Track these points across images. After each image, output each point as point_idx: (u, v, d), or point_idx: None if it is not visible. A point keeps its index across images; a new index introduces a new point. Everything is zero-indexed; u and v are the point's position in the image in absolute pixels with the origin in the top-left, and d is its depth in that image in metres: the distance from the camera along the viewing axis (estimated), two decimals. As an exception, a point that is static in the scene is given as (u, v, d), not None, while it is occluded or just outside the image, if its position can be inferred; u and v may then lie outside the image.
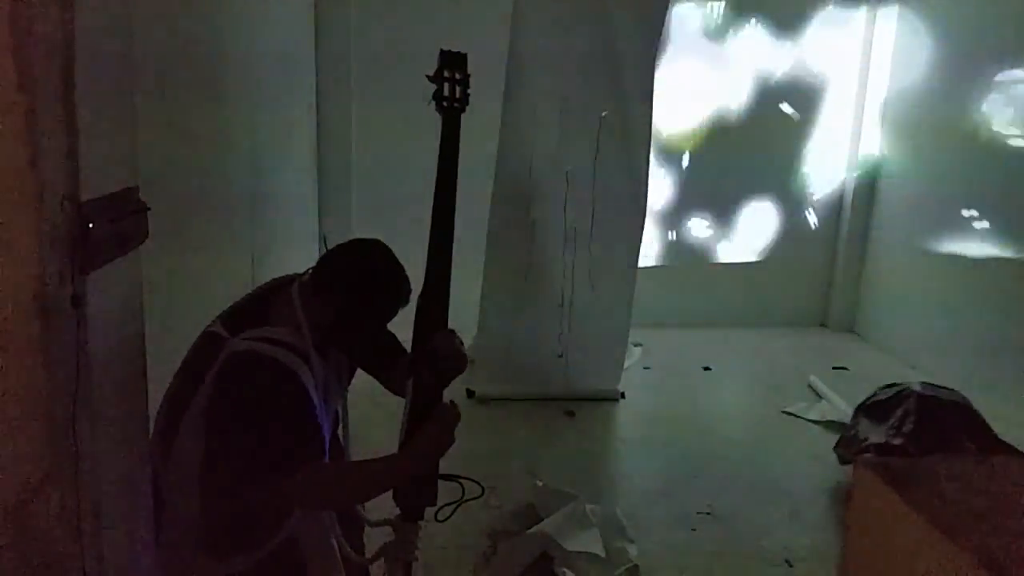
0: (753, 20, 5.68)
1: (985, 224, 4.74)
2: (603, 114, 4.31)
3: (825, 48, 5.78)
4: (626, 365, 4.84)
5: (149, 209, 1.78)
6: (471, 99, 2.08)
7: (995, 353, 4.52)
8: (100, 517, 1.58)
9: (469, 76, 2.05)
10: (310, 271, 1.88)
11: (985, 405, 4.51)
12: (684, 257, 5.98)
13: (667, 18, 4.33)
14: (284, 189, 4.26)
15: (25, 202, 1.33)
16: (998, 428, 4.28)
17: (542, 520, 3.09)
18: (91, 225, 1.48)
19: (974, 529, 0.74)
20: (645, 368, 5.17)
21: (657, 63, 4.39)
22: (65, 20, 1.41)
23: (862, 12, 5.74)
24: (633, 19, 4.29)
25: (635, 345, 5.24)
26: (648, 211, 4.66)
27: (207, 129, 2.89)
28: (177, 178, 2.48)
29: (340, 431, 2.07)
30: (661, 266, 5.89)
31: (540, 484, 3.39)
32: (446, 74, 2.02)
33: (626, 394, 4.65)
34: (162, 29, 2.35)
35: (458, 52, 2.07)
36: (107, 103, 1.62)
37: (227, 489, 1.72)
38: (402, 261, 1.93)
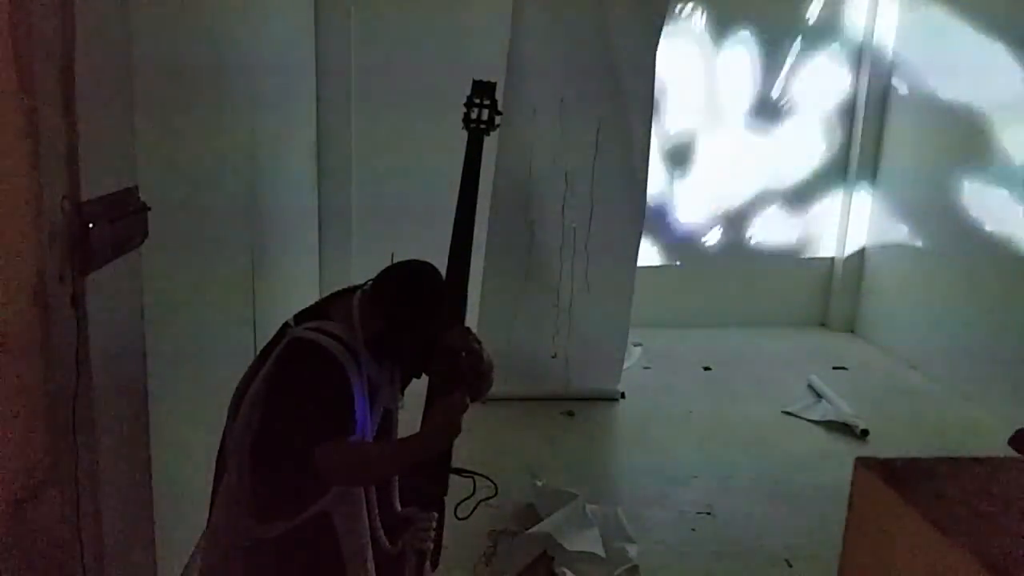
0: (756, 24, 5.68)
1: (985, 224, 4.74)
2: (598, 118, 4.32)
3: (823, 49, 5.79)
4: (626, 365, 4.84)
5: (149, 209, 1.78)
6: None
7: (995, 353, 4.52)
8: (100, 517, 1.58)
9: (496, 102, 2.32)
10: (370, 283, 2.05)
11: (985, 405, 4.53)
12: (684, 257, 5.98)
13: (666, 22, 4.33)
14: (284, 198, 4.26)
15: (25, 202, 1.33)
16: (997, 428, 4.29)
17: (542, 520, 3.09)
18: (91, 225, 1.48)
19: (974, 529, 0.74)
20: (645, 368, 5.17)
21: (656, 66, 4.40)
22: (65, 21, 1.41)
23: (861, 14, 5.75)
24: (632, 22, 4.29)
25: (635, 345, 5.23)
26: (647, 211, 4.66)
27: (207, 138, 2.90)
28: (178, 185, 2.48)
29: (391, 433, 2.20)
30: (661, 266, 5.89)
31: (540, 484, 3.40)
32: (475, 100, 2.31)
33: (626, 394, 4.65)
34: (162, 39, 2.35)
35: (488, 81, 2.36)
36: (107, 104, 1.63)
37: (269, 453, 1.89)
38: None
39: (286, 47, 4.43)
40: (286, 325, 1.99)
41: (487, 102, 2.32)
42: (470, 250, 2.23)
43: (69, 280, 1.44)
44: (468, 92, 2.36)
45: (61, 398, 1.44)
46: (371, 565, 1.95)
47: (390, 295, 1.96)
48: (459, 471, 2.21)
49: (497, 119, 2.36)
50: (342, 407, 1.86)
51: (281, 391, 1.87)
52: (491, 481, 2.23)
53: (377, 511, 2.05)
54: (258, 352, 2.04)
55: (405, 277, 2.00)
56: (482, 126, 2.31)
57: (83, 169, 1.47)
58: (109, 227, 1.56)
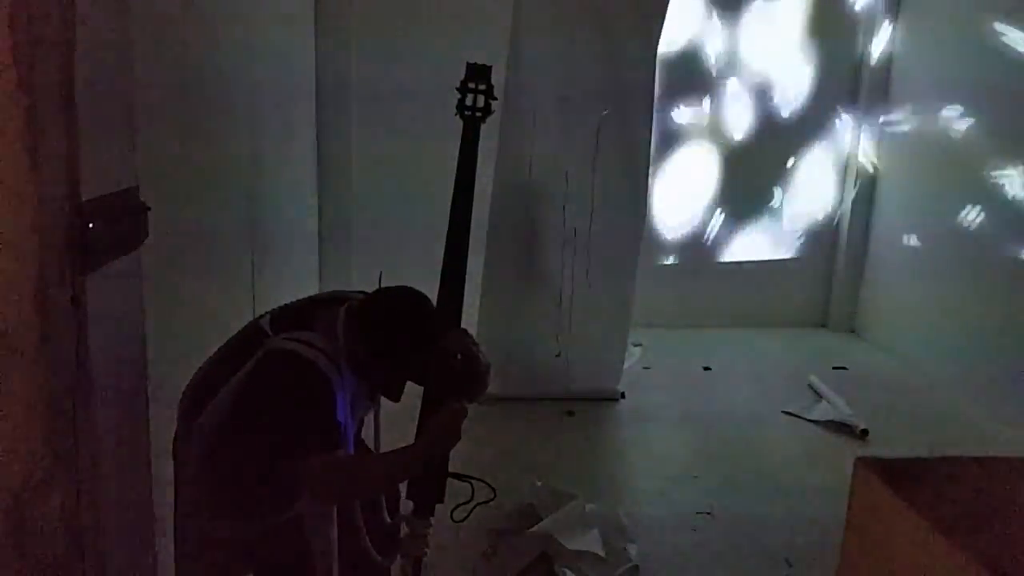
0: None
1: (985, 224, 4.74)
2: (604, 112, 4.31)
3: (824, 52, 5.79)
4: (626, 365, 4.84)
5: (149, 209, 1.78)
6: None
7: (995, 353, 4.52)
8: (100, 517, 1.58)
9: (492, 87, 2.14)
10: (357, 301, 1.97)
11: (985, 406, 4.53)
12: (685, 257, 5.98)
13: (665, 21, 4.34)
14: (285, 204, 4.27)
15: (25, 202, 1.33)
16: (997, 428, 4.29)
17: (542, 520, 3.09)
18: (91, 225, 1.48)
19: (974, 529, 0.74)
20: (645, 368, 5.16)
21: (656, 64, 4.40)
22: (65, 21, 1.41)
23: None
24: (633, 21, 4.30)
25: (635, 345, 5.23)
26: (647, 211, 4.66)
27: (208, 144, 2.90)
28: (179, 195, 2.49)
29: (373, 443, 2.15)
30: (661, 266, 5.89)
31: (540, 484, 3.39)
32: (470, 84, 2.14)
33: (626, 394, 4.65)
34: (164, 48, 2.35)
35: (483, 64, 2.17)
36: (107, 103, 1.62)
37: (242, 459, 1.84)
38: (403, 283, 1.99)
39: (287, 68, 4.44)
40: (258, 329, 1.91)
41: (482, 87, 2.16)
42: (467, 247, 2.13)
43: (69, 280, 1.44)
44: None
45: (61, 398, 1.44)
46: (335, 568, 1.92)
47: (375, 328, 1.90)
48: (457, 476, 2.15)
49: (492, 104, 2.19)
50: (330, 421, 1.80)
51: (263, 406, 1.80)
52: (490, 486, 2.17)
53: (363, 527, 2.00)
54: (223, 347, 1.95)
55: (391, 311, 1.93)
56: (477, 114, 2.16)
57: (83, 169, 1.47)
58: (109, 227, 1.55)
